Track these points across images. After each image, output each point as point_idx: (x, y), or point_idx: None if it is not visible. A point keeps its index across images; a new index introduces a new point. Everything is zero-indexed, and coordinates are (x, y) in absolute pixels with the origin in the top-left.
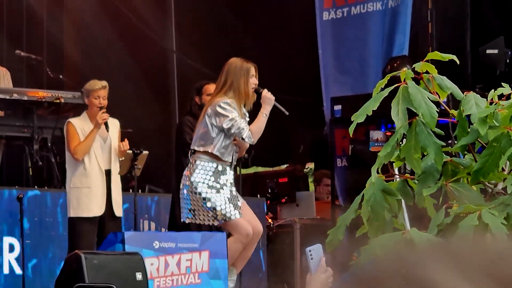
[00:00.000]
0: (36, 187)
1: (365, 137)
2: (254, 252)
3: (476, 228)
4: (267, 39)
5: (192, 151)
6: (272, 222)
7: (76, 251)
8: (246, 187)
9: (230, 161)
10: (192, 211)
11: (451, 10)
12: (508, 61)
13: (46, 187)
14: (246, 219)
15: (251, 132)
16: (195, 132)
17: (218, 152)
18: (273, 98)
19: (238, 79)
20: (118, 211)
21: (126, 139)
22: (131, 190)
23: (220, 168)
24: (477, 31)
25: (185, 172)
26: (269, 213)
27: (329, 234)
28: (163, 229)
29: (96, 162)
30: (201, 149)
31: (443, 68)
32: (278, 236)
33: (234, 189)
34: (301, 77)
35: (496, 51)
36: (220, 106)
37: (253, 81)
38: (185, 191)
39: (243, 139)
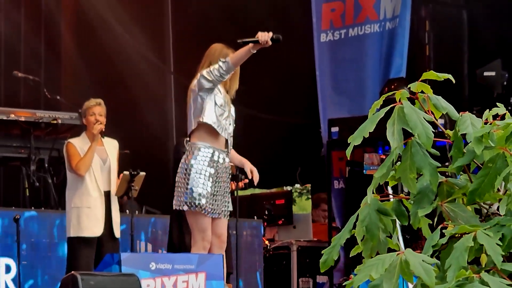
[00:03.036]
0: (33, 208)
1: (362, 159)
2: (251, 274)
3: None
4: (264, 60)
5: (187, 139)
6: (269, 244)
7: (73, 272)
8: (243, 208)
9: (226, 137)
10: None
11: (448, 32)
12: (505, 83)
13: (43, 208)
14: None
15: (228, 58)
16: (188, 120)
17: (210, 121)
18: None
19: (216, 61)
20: (117, 232)
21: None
22: (128, 211)
23: (216, 156)
24: (474, 53)
25: (182, 160)
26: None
27: (323, 253)
28: (159, 251)
29: (96, 183)
30: (193, 126)
31: (440, 90)
32: (275, 257)
33: (227, 197)
34: (298, 99)
35: (493, 74)
36: (200, 75)
37: None
38: (178, 176)
39: (220, 67)
